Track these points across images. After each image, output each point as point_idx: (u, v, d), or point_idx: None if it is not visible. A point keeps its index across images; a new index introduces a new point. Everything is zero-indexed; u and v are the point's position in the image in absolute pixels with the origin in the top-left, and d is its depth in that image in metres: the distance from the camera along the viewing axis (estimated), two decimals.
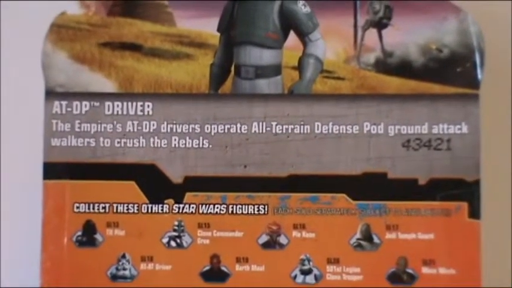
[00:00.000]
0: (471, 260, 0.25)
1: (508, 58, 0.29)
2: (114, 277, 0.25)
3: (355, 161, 0.25)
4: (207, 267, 0.26)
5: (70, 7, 0.26)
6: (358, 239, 0.25)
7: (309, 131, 0.26)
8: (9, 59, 0.29)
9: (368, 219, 0.25)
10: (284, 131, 0.26)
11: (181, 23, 0.26)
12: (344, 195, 0.26)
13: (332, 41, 0.26)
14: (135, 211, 0.26)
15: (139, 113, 0.26)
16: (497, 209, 0.27)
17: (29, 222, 0.27)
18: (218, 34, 0.26)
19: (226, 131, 0.26)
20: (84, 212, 0.26)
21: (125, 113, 0.26)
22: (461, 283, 0.25)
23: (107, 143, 0.26)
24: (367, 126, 0.26)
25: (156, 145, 0.26)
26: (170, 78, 0.26)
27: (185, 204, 0.26)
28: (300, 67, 0.26)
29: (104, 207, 0.26)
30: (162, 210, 0.26)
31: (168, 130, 0.26)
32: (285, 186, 0.26)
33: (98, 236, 0.26)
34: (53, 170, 0.26)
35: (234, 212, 0.26)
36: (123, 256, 0.26)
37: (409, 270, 0.25)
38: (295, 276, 0.25)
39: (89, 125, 0.26)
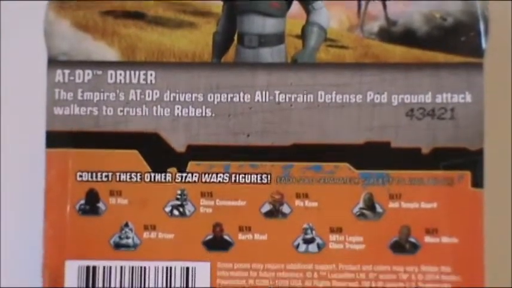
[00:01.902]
0: (474, 229, 0.25)
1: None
2: (117, 245, 0.25)
3: (358, 130, 0.25)
4: (210, 236, 0.25)
5: None
6: (361, 208, 0.25)
7: (312, 100, 0.25)
8: (9, 27, 0.29)
9: (371, 189, 0.25)
10: (287, 100, 0.26)
11: None
12: (347, 164, 0.25)
13: (335, 10, 0.26)
14: (138, 180, 0.26)
15: (142, 81, 0.26)
16: (500, 178, 0.27)
17: (31, 191, 0.27)
18: (221, 3, 0.26)
19: (229, 99, 0.26)
20: (87, 180, 0.26)
21: (127, 81, 0.26)
22: (464, 252, 0.25)
23: (110, 111, 0.26)
24: (370, 95, 0.25)
25: (158, 114, 0.26)
26: (173, 46, 0.26)
27: (188, 173, 0.26)
28: (303, 36, 0.26)
29: (107, 176, 0.26)
30: (165, 179, 0.26)
31: (171, 99, 0.26)
32: (288, 156, 0.25)
33: (101, 205, 0.26)
34: (55, 139, 0.25)
35: (237, 181, 0.26)
36: (126, 225, 0.26)
37: (412, 239, 0.25)
38: (297, 245, 0.25)
39: (91, 93, 0.26)
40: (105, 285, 0.25)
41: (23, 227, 0.28)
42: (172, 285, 0.25)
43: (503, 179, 0.27)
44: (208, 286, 0.25)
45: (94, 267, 0.25)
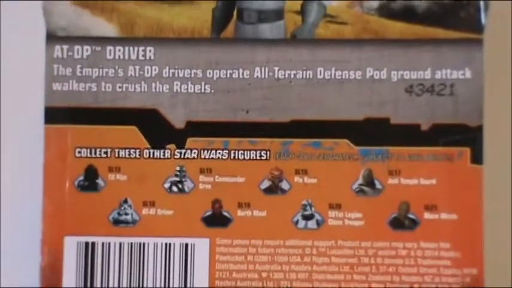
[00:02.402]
0: (473, 205, 0.25)
1: None
2: (116, 222, 0.25)
3: (358, 106, 0.25)
4: (209, 213, 0.25)
5: None
6: (360, 184, 0.25)
7: (311, 76, 0.25)
8: (8, 2, 0.29)
9: (370, 165, 0.25)
10: (286, 76, 0.25)
11: None
12: (346, 140, 0.25)
13: None
14: (137, 156, 0.26)
15: (141, 57, 0.26)
16: (500, 155, 0.27)
17: (30, 167, 0.27)
18: None
19: (228, 76, 0.26)
20: (86, 156, 0.26)
21: (126, 57, 0.26)
22: (463, 228, 0.25)
23: (109, 87, 0.26)
24: (369, 71, 0.25)
25: (158, 90, 0.26)
26: (172, 22, 0.26)
27: (187, 149, 0.26)
28: (302, 11, 0.25)
29: (106, 152, 0.26)
30: (163, 155, 0.26)
31: (170, 75, 0.26)
32: (287, 132, 0.25)
33: (100, 181, 0.26)
34: (54, 115, 0.25)
35: (236, 157, 0.26)
36: (125, 201, 0.25)
37: (411, 216, 0.25)
38: (296, 222, 0.25)
39: (90, 69, 0.26)
40: (104, 262, 0.25)
41: (22, 204, 0.28)
42: (172, 262, 0.25)
43: (503, 155, 0.27)
44: (208, 262, 0.25)
45: (93, 244, 0.25)
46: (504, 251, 0.28)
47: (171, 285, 0.25)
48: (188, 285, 0.25)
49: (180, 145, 0.25)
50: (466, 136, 0.25)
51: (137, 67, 0.26)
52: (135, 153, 0.25)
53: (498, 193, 0.27)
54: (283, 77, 0.25)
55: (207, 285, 0.25)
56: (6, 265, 0.29)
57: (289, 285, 0.25)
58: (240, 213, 0.25)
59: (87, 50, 0.26)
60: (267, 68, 0.25)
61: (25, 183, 0.28)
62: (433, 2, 0.25)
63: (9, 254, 0.29)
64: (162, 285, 0.25)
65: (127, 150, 0.26)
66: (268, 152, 0.25)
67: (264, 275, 0.25)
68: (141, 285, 0.25)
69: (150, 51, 0.26)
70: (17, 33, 0.29)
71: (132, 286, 0.25)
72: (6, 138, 0.29)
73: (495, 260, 0.25)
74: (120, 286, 0.25)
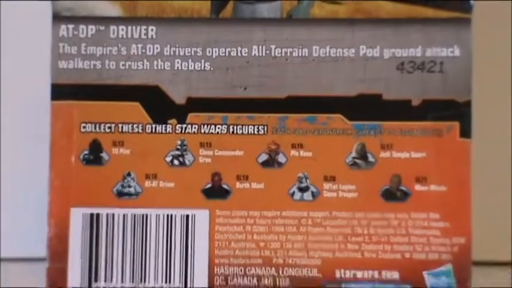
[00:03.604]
0: (461, 177, 0.26)
1: None
2: (120, 194, 0.27)
3: (351, 83, 0.26)
4: (209, 185, 0.27)
5: None
6: (353, 157, 0.27)
7: (307, 54, 0.27)
8: None
9: (363, 139, 0.26)
10: (283, 54, 0.27)
11: None
12: (340, 115, 0.27)
13: None
14: (140, 131, 0.27)
15: (143, 36, 0.27)
16: (488, 129, 0.28)
17: (37, 142, 0.28)
18: None
19: (227, 54, 0.27)
20: (91, 131, 0.27)
21: (129, 36, 0.27)
22: (452, 199, 0.26)
23: (112, 65, 0.27)
24: (363, 49, 0.26)
25: (159, 68, 0.27)
26: (173, 2, 0.27)
27: (188, 124, 0.27)
28: None
29: (110, 127, 0.27)
30: (165, 130, 0.27)
31: (171, 53, 0.27)
32: (283, 107, 0.27)
33: (104, 155, 0.27)
34: (60, 91, 0.26)
35: (235, 132, 0.27)
36: (128, 174, 0.27)
37: (403, 188, 0.26)
38: (293, 193, 0.26)
39: (94, 48, 0.27)
40: (108, 232, 0.26)
41: (30, 178, 0.29)
42: (173, 232, 0.26)
43: (491, 129, 0.29)
44: (207, 232, 0.26)
45: (98, 215, 0.26)
46: (491, 221, 0.29)
47: (172, 255, 0.26)
48: (189, 255, 0.26)
49: (181, 120, 0.27)
50: (455, 111, 0.26)
51: (139, 45, 0.27)
52: (138, 128, 0.27)
53: (486, 166, 0.28)
54: (279, 55, 0.27)
55: (207, 255, 0.26)
56: (15, 236, 0.30)
57: (287, 254, 0.26)
58: (238, 185, 0.27)
59: (91, 30, 0.27)
60: (264, 47, 0.27)
61: (32, 157, 0.29)
62: None
63: (18, 225, 0.30)
64: (164, 255, 0.26)
65: (130, 125, 0.27)
66: (265, 127, 0.27)
67: (262, 244, 0.26)
68: (143, 255, 0.26)
69: (151, 30, 0.27)
70: (25, 13, 0.30)
71: (135, 256, 0.26)
72: (15, 115, 0.30)
73: (483, 230, 0.27)
74: (124, 256, 0.26)
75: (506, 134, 0.31)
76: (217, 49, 0.27)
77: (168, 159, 0.27)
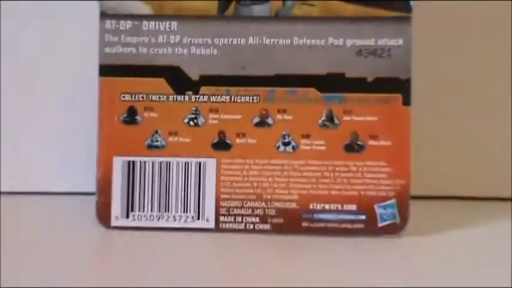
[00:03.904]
0: (403, 135, 0.34)
1: None
2: (150, 146, 0.35)
3: (322, 64, 0.35)
4: (216, 140, 0.35)
5: None
6: (323, 120, 0.35)
7: (289, 43, 0.35)
8: None
9: (331, 106, 0.35)
10: (271, 43, 0.35)
11: None
12: (314, 89, 0.35)
13: None
14: (165, 100, 0.35)
15: (167, 29, 0.35)
16: (422, 99, 0.37)
17: (90, 108, 0.37)
18: None
19: (230, 43, 0.35)
20: (128, 100, 0.35)
21: (157, 29, 0.35)
22: (396, 151, 0.35)
23: (144, 51, 0.35)
24: (331, 40, 0.35)
25: (179, 53, 0.35)
26: (190, 4, 0.35)
27: (200, 95, 0.35)
28: None
29: (142, 97, 0.35)
30: (183, 99, 0.35)
31: (188, 42, 0.35)
32: (272, 83, 0.35)
33: (138, 117, 0.35)
34: (106, 70, 0.35)
35: (235, 100, 0.35)
36: (156, 132, 0.35)
37: (359, 143, 0.35)
38: (278, 147, 0.35)
39: (131, 37, 0.35)
40: (141, 175, 0.35)
41: (85, 134, 0.38)
42: (189, 175, 0.35)
43: (425, 99, 0.37)
44: (215, 175, 0.35)
45: (133, 162, 0.35)
46: (424, 167, 0.38)
47: (188, 192, 0.35)
48: (201, 192, 0.35)
49: (196, 92, 0.35)
50: (398, 86, 0.35)
51: (165, 36, 0.35)
52: (164, 97, 0.35)
53: (422, 126, 0.37)
54: (269, 43, 0.35)
55: (214, 192, 0.35)
56: (72, 175, 0.39)
57: (274, 192, 0.35)
58: (238, 141, 0.35)
59: (129, 24, 0.35)
60: (257, 37, 0.35)
61: (87, 119, 0.38)
62: None
63: (74, 167, 0.39)
64: (182, 192, 0.35)
65: (157, 96, 0.35)
66: (258, 97, 0.35)
67: (255, 184, 0.35)
68: (167, 192, 0.35)
69: (173, 24, 0.35)
70: (80, 11, 0.39)
71: (161, 192, 0.35)
72: (74, 88, 0.39)
73: (418, 174, 0.35)
74: (153, 192, 0.35)
75: (439, 102, 0.40)
76: (222, 39, 0.35)
77: (186, 121, 0.35)
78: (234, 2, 0.35)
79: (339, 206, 0.35)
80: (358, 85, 0.35)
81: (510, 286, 0.28)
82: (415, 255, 0.33)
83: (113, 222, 0.35)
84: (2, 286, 0.27)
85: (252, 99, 0.35)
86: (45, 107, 0.41)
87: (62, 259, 0.30)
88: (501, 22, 0.41)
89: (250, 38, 0.35)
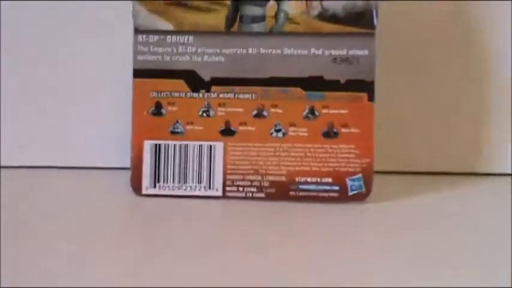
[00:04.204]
0: (368, 124, 0.42)
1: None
2: (172, 133, 0.42)
3: (306, 69, 0.42)
4: (223, 128, 0.43)
5: None
6: (306, 113, 0.42)
7: (280, 53, 0.43)
8: (116, 9, 0.48)
9: (312, 102, 0.42)
10: (267, 53, 0.43)
11: None
12: (299, 88, 0.42)
13: (294, 2, 0.44)
14: (183, 96, 0.42)
15: (185, 41, 0.43)
16: (383, 97, 0.47)
17: (125, 104, 0.46)
18: None
19: (234, 52, 0.43)
20: (155, 96, 0.43)
21: (177, 41, 0.43)
22: (362, 137, 0.43)
23: (168, 58, 0.43)
24: (312, 50, 0.43)
25: (195, 60, 0.42)
26: (204, 22, 0.42)
27: (212, 92, 0.42)
28: (276, 17, 0.42)
29: (166, 94, 0.43)
30: (198, 96, 0.43)
31: (202, 52, 0.43)
32: (267, 83, 0.42)
33: (163, 110, 0.43)
34: (138, 73, 0.42)
35: (238, 97, 0.42)
36: (177, 121, 0.43)
37: (334, 130, 0.43)
38: (271, 133, 0.42)
39: (157, 48, 0.42)
40: (165, 155, 0.45)
41: (123, 123, 0.48)
42: (203, 156, 0.45)
43: (385, 97, 0.47)
44: (222, 156, 0.45)
45: (159, 145, 0.44)
46: (384, 149, 0.48)
47: (202, 168, 0.45)
48: (211, 168, 0.45)
49: (208, 90, 0.42)
50: (364, 86, 0.44)
51: (183, 47, 0.44)
52: (183, 94, 0.44)
53: (383, 118, 0.46)
54: (264, 52, 0.44)
55: (222, 168, 0.45)
56: (112, 154, 0.49)
57: (268, 168, 0.45)
58: (240, 128, 0.42)
59: (156, 37, 0.44)
60: (255, 48, 0.43)
61: (125, 110, 0.47)
62: (348, 12, 0.45)
63: (116, 149, 0.49)
64: (197, 168, 0.45)
65: (178, 93, 0.44)
66: (256, 94, 0.44)
67: (253, 162, 0.42)
68: (185, 168, 0.45)
69: (190, 38, 0.44)
70: (119, 27, 0.48)
71: (180, 168, 0.45)
72: (113, 88, 0.49)
73: (379, 154, 0.45)
74: (174, 168, 0.45)
75: (400, 100, 0.50)
76: (228, 49, 0.43)
77: (199, 113, 0.43)
78: (238, 21, 0.45)
79: (318, 179, 0.43)
80: (333, 86, 0.42)
81: (510, 286, 0.30)
82: (375, 215, 0.43)
83: (144, 191, 0.43)
84: (2, 286, 0.28)
85: (251, 96, 0.43)
86: (89, 100, 0.51)
87: (106, 215, 0.41)
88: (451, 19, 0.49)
89: (250, 49, 0.43)
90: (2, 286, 0.29)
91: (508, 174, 0.49)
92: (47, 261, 0.33)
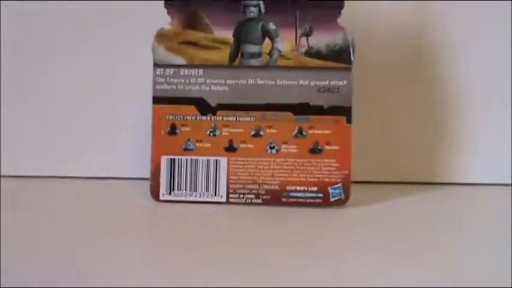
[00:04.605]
0: (346, 142, 0.48)
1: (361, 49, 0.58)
2: (185, 149, 0.49)
3: (295, 97, 0.49)
4: (227, 145, 0.49)
5: (164, 24, 0.55)
6: (296, 133, 0.49)
7: (273, 83, 0.51)
8: (137, 48, 0.57)
9: (301, 124, 0.50)
10: (263, 83, 0.51)
11: (216, 32, 0.54)
12: (290, 113, 0.49)
13: (285, 41, 0.53)
14: (194, 119, 0.50)
15: (196, 74, 0.50)
16: (359, 119, 0.56)
17: (144, 127, 0.55)
18: (232, 38, 0.53)
19: (236, 83, 0.52)
20: (171, 119, 0.50)
21: (188, 74, 0.51)
22: (342, 153, 0.51)
23: (181, 87, 0.52)
24: (301, 81, 0.50)
25: (203, 89, 0.50)
26: (211, 57, 0.51)
27: (217, 116, 0.49)
28: (270, 54, 0.50)
29: (180, 117, 0.50)
30: (206, 119, 0.49)
31: (209, 82, 0.51)
32: (263, 108, 0.49)
33: (177, 130, 0.49)
34: (157, 100, 0.49)
35: (239, 120, 0.50)
36: (189, 139, 0.50)
37: (319, 147, 0.52)
38: (267, 150, 0.49)
39: (173, 79, 0.50)
40: (178, 167, 0.54)
41: (141, 141, 0.57)
42: (210, 169, 0.53)
43: (361, 119, 0.56)
44: (226, 169, 0.54)
45: (174, 159, 0.51)
46: (360, 162, 0.57)
47: (209, 178, 0.53)
48: (217, 178, 0.53)
49: (214, 114, 0.49)
50: (344, 111, 0.52)
51: (194, 78, 0.53)
52: (194, 117, 0.51)
53: (359, 137, 0.55)
54: (261, 83, 0.52)
55: (225, 178, 0.53)
56: (135, 166, 0.58)
57: (264, 178, 0.54)
58: (241, 146, 0.49)
59: (171, 70, 0.52)
60: (253, 79, 0.50)
61: (146, 131, 0.57)
62: (329, 49, 0.54)
63: (138, 162, 0.58)
64: (205, 178, 0.54)
65: (190, 116, 0.52)
66: (254, 117, 0.51)
67: (252, 173, 0.49)
68: (195, 178, 0.54)
69: (200, 71, 0.52)
70: (142, 61, 0.57)
71: (191, 179, 0.54)
72: (135, 112, 0.58)
73: (356, 167, 0.54)
74: (186, 178, 0.54)
75: (374, 122, 0.60)
76: (231, 80, 0.53)
77: (207, 133, 0.49)
78: (239, 57, 0.54)
79: (305, 188, 0.49)
80: (318, 110, 0.49)
81: (510, 286, 0.31)
82: (352, 217, 0.52)
83: (161, 197, 0.50)
84: (2, 286, 0.29)
85: (250, 119, 0.49)
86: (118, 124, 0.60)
87: (131, 216, 0.50)
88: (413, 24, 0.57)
89: (249, 80, 0.49)
90: (2, 286, 0.30)
91: (469, 184, 0.59)
92: (85, 254, 0.42)
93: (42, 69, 0.58)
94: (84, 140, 0.58)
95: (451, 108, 0.58)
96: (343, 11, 0.50)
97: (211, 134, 0.51)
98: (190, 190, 0.51)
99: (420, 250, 0.42)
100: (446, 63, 0.56)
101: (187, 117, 0.51)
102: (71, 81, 0.58)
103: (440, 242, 0.44)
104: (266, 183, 0.50)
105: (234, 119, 0.51)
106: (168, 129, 0.51)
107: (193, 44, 0.51)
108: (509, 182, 0.55)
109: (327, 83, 0.50)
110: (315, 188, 0.50)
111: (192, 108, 0.51)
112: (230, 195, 0.51)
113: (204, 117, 0.51)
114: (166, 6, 0.51)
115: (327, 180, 0.50)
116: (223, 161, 0.51)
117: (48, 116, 0.58)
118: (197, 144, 0.51)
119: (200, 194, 0.51)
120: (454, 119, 0.58)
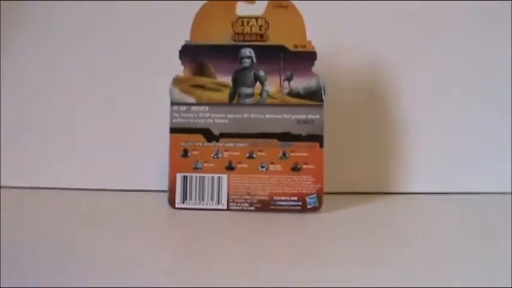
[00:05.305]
0: (319, 161, 0.62)
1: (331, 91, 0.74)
2: (195, 168, 0.61)
3: (280, 127, 0.61)
4: (227, 165, 0.61)
5: (178, 71, 0.70)
6: (281, 155, 0.61)
7: (264, 117, 0.64)
8: (158, 90, 0.71)
9: (285, 148, 0.61)
10: (255, 117, 0.63)
11: (219, 77, 0.68)
12: (276, 139, 0.61)
13: (272, 84, 0.63)
14: (202, 145, 0.62)
15: (203, 110, 0.62)
16: (330, 146, 0.71)
17: (164, 150, 0.70)
18: (231, 82, 0.67)
19: (235, 117, 0.66)
20: (184, 145, 0.61)
21: (198, 110, 0.65)
22: (315, 170, 0.66)
23: (192, 120, 0.63)
24: (285, 115, 0.62)
25: (209, 122, 0.62)
26: (215, 97, 0.65)
27: (220, 142, 0.60)
28: (261, 94, 0.62)
29: (191, 143, 0.61)
30: (211, 144, 0.62)
31: (213, 116, 0.62)
32: (255, 136, 0.61)
33: (189, 154, 0.61)
34: (173, 130, 0.60)
35: (237, 146, 0.62)
36: (198, 161, 0.63)
37: (298, 166, 0.62)
38: (258, 168, 0.61)
39: (185, 113, 0.62)
40: (190, 182, 0.69)
41: (161, 162, 0.73)
42: (214, 183, 0.68)
43: (330, 144, 0.72)
44: (227, 184, 0.69)
45: (186, 176, 0.63)
46: (330, 178, 0.72)
47: (214, 191, 0.69)
48: (220, 191, 0.68)
49: (217, 141, 0.62)
50: (317, 138, 0.68)
51: (202, 113, 0.68)
52: (201, 144, 0.65)
53: (329, 158, 0.71)
54: (254, 117, 0.68)
55: (226, 191, 0.68)
56: (153, 181, 0.73)
57: (256, 191, 0.69)
58: (238, 165, 0.61)
59: (184, 107, 0.68)
60: (247, 114, 0.65)
61: (164, 154, 0.72)
62: (306, 91, 0.70)
63: (159, 179, 0.73)
64: (210, 191, 0.69)
65: (198, 143, 0.67)
66: (248, 144, 0.67)
67: (247, 187, 0.61)
68: (202, 191, 0.68)
69: (206, 108, 0.68)
70: (161, 101, 0.72)
71: (199, 191, 0.69)
72: (157, 141, 0.72)
73: (328, 182, 0.69)
74: (195, 191, 0.69)
75: (340, 146, 0.75)
76: (231, 115, 0.69)
77: (212, 155, 0.61)
78: (236, 97, 0.70)
79: (288, 198, 0.60)
80: (298, 138, 0.61)
81: (510, 286, 0.31)
82: (325, 220, 0.66)
83: (176, 205, 0.61)
84: (2, 286, 0.29)
85: (245, 145, 0.62)
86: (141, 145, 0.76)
87: (153, 220, 0.64)
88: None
89: (245, 114, 0.62)
90: (2, 286, 0.30)
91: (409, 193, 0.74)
92: (117, 249, 0.56)
93: (79, 96, 0.75)
94: (121, 162, 0.73)
95: (398, 134, 0.73)
96: (316, 62, 0.62)
97: (215, 157, 0.62)
98: (199, 200, 0.62)
99: (377, 243, 0.56)
100: (393, 101, 0.72)
101: (197, 143, 0.62)
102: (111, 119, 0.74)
103: (390, 242, 0.59)
104: (258, 195, 0.62)
105: (233, 144, 0.62)
106: (182, 153, 0.62)
107: (201, 86, 0.63)
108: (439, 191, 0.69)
109: (304, 116, 0.62)
110: (295, 198, 0.61)
111: (200, 137, 0.62)
112: (230, 204, 0.62)
113: (209, 144, 0.62)
114: (180, 57, 0.64)
115: (305, 191, 0.61)
116: (224, 177, 0.62)
117: (90, 142, 0.73)
118: (204, 164, 0.62)
119: (206, 203, 0.62)
120: (401, 142, 0.73)
